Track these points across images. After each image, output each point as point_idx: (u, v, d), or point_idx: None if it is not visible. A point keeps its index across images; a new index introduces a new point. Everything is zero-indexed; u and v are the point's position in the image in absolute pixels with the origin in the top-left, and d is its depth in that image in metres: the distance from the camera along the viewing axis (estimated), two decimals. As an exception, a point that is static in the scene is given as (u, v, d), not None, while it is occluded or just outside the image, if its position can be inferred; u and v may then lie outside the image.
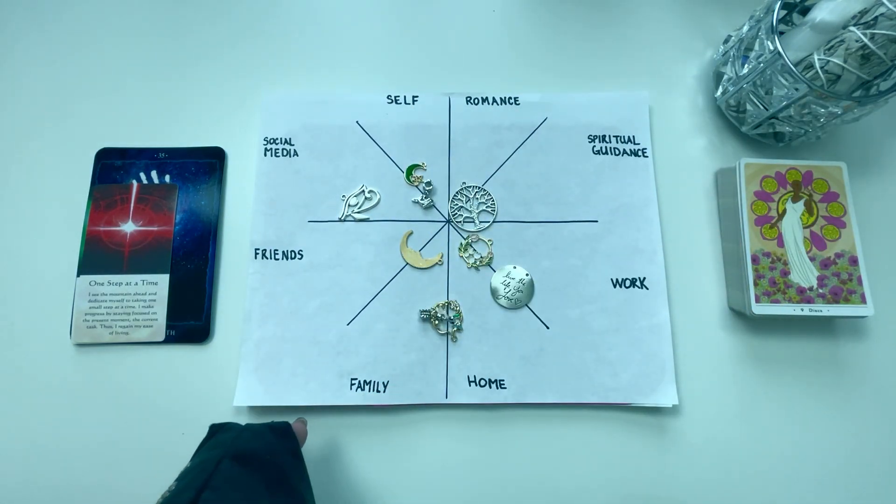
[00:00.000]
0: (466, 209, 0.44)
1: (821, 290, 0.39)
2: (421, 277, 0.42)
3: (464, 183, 0.44)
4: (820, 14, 0.38)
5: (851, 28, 0.36)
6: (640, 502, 0.39)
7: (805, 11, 0.40)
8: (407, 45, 0.48)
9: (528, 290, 0.42)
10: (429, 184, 0.44)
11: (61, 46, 0.48)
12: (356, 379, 0.40)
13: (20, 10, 0.49)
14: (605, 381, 0.40)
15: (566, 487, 0.39)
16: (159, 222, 0.43)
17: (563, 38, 0.49)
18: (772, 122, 0.42)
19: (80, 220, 0.43)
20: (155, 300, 0.42)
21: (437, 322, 0.41)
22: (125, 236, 0.43)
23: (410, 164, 0.44)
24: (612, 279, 0.42)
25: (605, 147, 0.45)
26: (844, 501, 0.39)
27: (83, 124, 0.46)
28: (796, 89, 0.38)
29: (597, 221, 0.43)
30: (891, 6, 0.34)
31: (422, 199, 0.44)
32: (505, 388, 0.40)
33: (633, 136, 0.45)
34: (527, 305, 0.42)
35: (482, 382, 0.40)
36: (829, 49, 0.37)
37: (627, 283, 0.42)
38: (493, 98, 0.46)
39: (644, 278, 0.42)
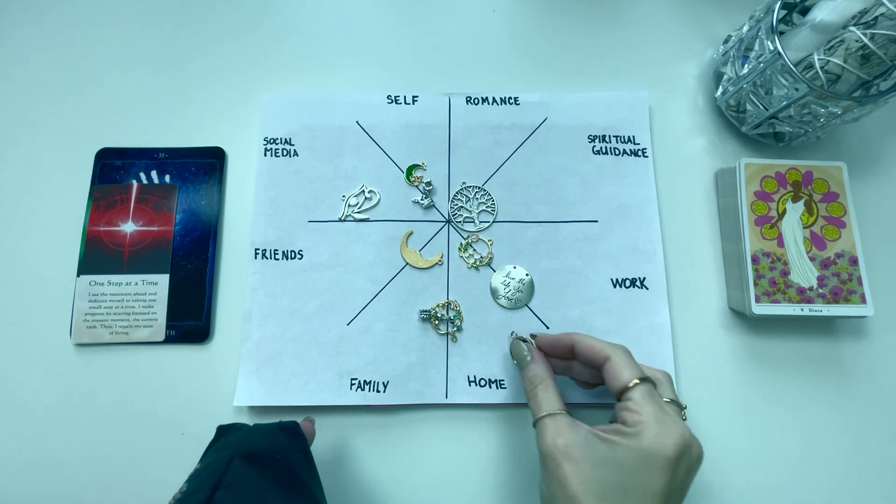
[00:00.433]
0: (466, 209, 0.44)
1: (821, 290, 0.39)
2: (421, 277, 0.42)
3: (464, 183, 0.44)
4: (820, 14, 0.38)
5: (851, 28, 0.36)
6: (640, 502, 0.39)
7: (805, 11, 0.40)
8: (407, 45, 0.48)
9: (528, 290, 0.42)
10: (429, 184, 0.44)
11: (61, 46, 0.48)
12: (356, 379, 0.40)
13: (19, 9, 0.49)
14: (605, 381, 0.40)
15: (566, 487, 0.39)
16: (159, 222, 0.43)
17: (563, 38, 0.49)
18: (772, 122, 0.42)
19: (80, 220, 0.43)
20: (155, 300, 0.42)
21: (437, 322, 0.41)
22: (125, 236, 0.43)
23: (410, 164, 0.45)
24: (612, 279, 0.42)
25: (605, 147, 0.45)
26: (845, 500, 0.39)
27: (83, 124, 0.46)
28: (796, 89, 0.38)
29: (597, 221, 0.43)
30: (891, 6, 0.34)
31: (422, 199, 0.44)
32: (505, 388, 0.40)
33: (633, 136, 0.45)
34: (527, 305, 0.42)
35: (482, 382, 0.40)
36: (829, 49, 0.37)
37: (627, 283, 0.42)
38: (493, 98, 0.46)
39: (644, 278, 0.42)
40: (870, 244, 0.41)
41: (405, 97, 0.46)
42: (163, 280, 0.42)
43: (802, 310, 0.38)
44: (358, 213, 0.43)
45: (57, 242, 0.43)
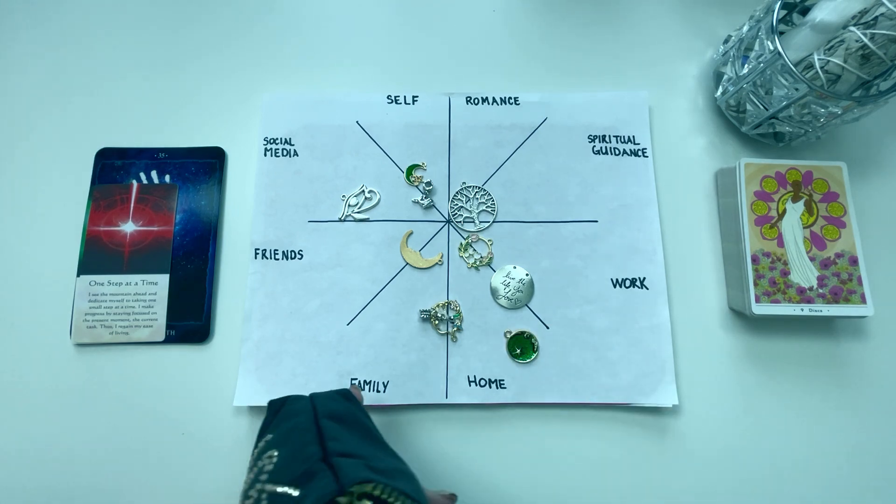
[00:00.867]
0: (466, 209, 0.44)
1: (821, 290, 0.39)
2: (421, 277, 0.42)
3: (464, 183, 0.44)
4: (820, 14, 0.38)
5: (851, 28, 0.36)
6: (640, 502, 0.39)
7: (805, 11, 0.40)
8: (407, 45, 0.48)
9: (528, 290, 0.42)
10: (429, 184, 0.44)
11: (61, 46, 0.48)
12: (356, 379, 0.40)
13: (19, 9, 0.49)
14: (605, 381, 0.40)
15: (566, 487, 0.39)
16: (159, 222, 0.43)
17: (563, 38, 0.49)
18: (772, 122, 0.42)
19: (80, 220, 0.43)
20: (155, 300, 0.42)
21: (437, 322, 0.41)
22: (125, 236, 0.43)
23: (410, 164, 0.45)
24: (612, 279, 0.42)
25: (605, 147, 0.45)
26: (845, 501, 0.39)
27: (83, 124, 0.46)
28: (796, 89, 0.38)
29: (597, 221, 0.43)
30: (891, 6, 0.34)
31: (422, 199, 0.44)
32: (505, 388, 0.40)
33: (633, 136, 0.45)
34: (527, 305, 0.42)
35: (482, 382, 0.40)
36: (829, 49, 0.37)
37: (627, 283, 0.42)
38: (493, 98, 0.46)
39: (644, 278, 0.42)
40: (870, 244, 0.41)
41: (405, 97, 0.46)
42: (163, 280, 0.42)
43: (802, 310, 0.38)
44: (358, 213, 0.43)
45: (57, 242, 0.43)
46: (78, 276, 0.42)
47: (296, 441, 0.28)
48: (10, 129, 0.46)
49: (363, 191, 0.44)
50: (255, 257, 0.42)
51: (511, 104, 0.46)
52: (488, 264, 0.43)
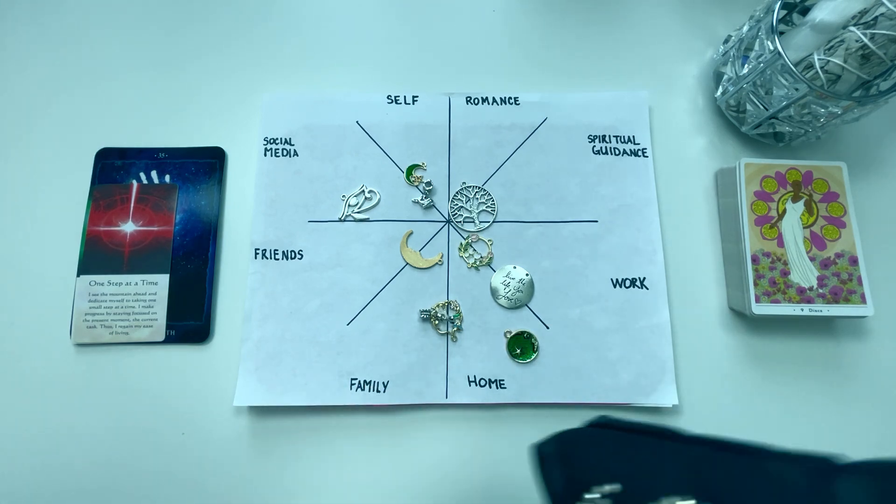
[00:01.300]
0: (466, 209, 0.44)
1: (821, 290, 0.39)
2: (421, 277, 0.42)
3: (464, 183, 0.44)
4: (820, 14, 0.38)
5: (851, 28, 0.36)
6: (640, 502, 0.39)
7: (805, 11, 0.40)
8: (407, 45, 0.48)
9: (528, 290, 0.42)
10: (429, 184, 0.44)
11: (61, 46, 0.48)
12: (356, 379, 0.40)
13: (20, 9, 0.49)
14: (605, 381, 0.40)
15: (566, 487, 0.39)
16: (159, 222, 0.43)
17: (563, 38, 0.49)
18: (772, 122, 0.42)
19: (80, 220, 0.43)
20: (155, 300, 0.42)
21: (437, 322, 0.41)
22: (125, 236, 0.43)
23: (410, 164, 0.45)
24: (612, 279, 0.42)
25: (605, 147, 0.45)
26: (844, 501, 0.39)
27: (83, 124, 0.46)
28: (796, 89, 0.38)
29: (597, 221, 0.43)
30: (891, 6, 0.34)
31: (422, 199, 0.44)
32: (505, 388, 0.40)
33: (633, 136, 0.45)
34: (527, 305, 0.42)
35: (482, 382, 0.40)
36: (829, 49, 0.37)
37: (627, 283, 0.42)
38: (493, 98, 0.46)
39: (644, 278, 0.42)
40: (870, 244, 0.41)
41: (405, 97, 0.46)
42: (163, 280, 0.42)
43: (802, 310, 0.38)
44: (358, 213, 0.43)
45: (57, 242, 0.43)
46: (78, 276, 0.42)
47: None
48: (10, 129, 0.46)
49: (363, 191, 0.44)
50: (255, 257, 0.42)
51: (511, 104, 0.46)
52: (488, 264, 0.43)
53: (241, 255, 0.43)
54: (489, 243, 0.43)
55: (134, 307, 0.41)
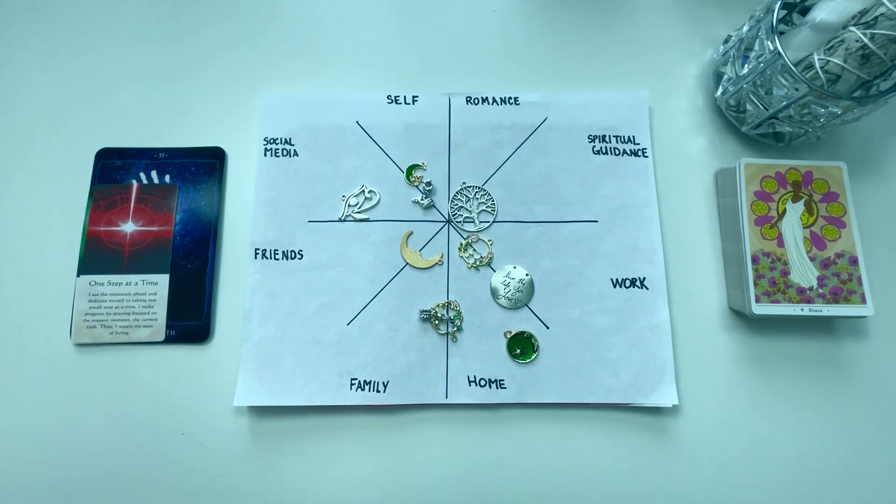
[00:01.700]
0: (466, 209, 0.44)
1: (821, 290, 0.39)
2: (421, 277, 0.42)
3: (464, 183, 0.44)
4: (820, 14, 0.38)
5: (851, 28, 0.36)
6: (640, 502, 0.39)
7: (805, 11, 0.40)
8: (407, 45, 0.48)
9: (528, 290, 0.42)
10: (429, 184, 0.44)
11: (61, 46, 0.48)
12: (356, 379, 0.40)
13: (20, 10, 0.49)
14: (605, 381, 0.40)
15: (566, 487, 0.39)
16: (159, 222, 0.43)
17: (563, 38, 0.49)
18: (772, 122, 0.42)
19: (80, 220, 0.43)
20: (155, 300, 0.42)
21: (437, 322, 0.41)
22: (125, 236, 0.43)
23: (410, 164, 0.45)
24: (612, 279, 0.42)
25: (605, 147, 0.45)
26: (845, 500, 0.39)
27: (83, 124, 0.46)
28: (796, 89, 0.38)
29: (597, 221, 0.43)
30: (891, 6, 0.34)
31: (422, 199, 0.44)
32: (505, 388, 0.40)
33: (633, 136, 0.45)
34: (527, 305, 0.42)
35: (482, 382, 0.40)
36: (829, 49, 0.37)
37: (627, 283, 0.42)
38: (493, 98, 0.46)
39: (644, 278, 0.42)
40: (870, 244, 0.41)
41: (405, 97, 0.46)
42: (163, 280, 0.42)
43: (802, 310, 0.38)
44: (358, 213, 0.43)
45: (57, 242, 0.43)
46: (78, 276, 0.42)
47: None
48: (11, 130, 0.46)
49: (363, 191, 0.44)
50: (255, 257, 0.42)
51: (511, 104, 0.46)
52: (488, 264, 0.43)
53: (241, 255, 0.43)
54: (489, 243, 0.43)
55: (134, 307, 0.41)
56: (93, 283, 0.42)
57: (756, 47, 0.40)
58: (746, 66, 0.41)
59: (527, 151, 0.45)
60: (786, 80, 0.38)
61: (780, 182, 0.41)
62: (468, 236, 0.43)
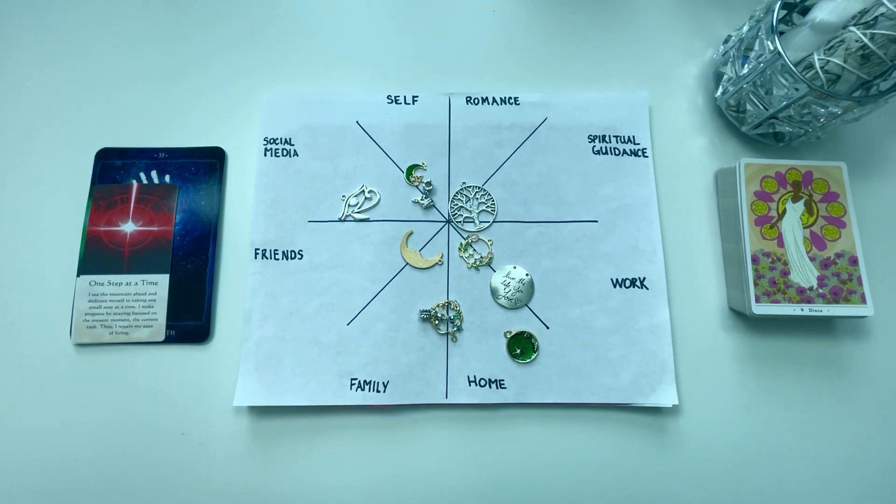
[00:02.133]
0: (466, 209, 0.44)
1: (821, 290, 0.39)
2: (421, 277, 0.42)
3: (464, 183, 0.44)
4: (820, 14, 0.38)
5: (851, 28, 0.36)
6: (640, 502, 0.39)
7: (805, 11, 0.40)
8: (407, 45, 0.48)
9: (528, 290, 0.42)
10: (429, 184, 0.44)
11: (61, 46, 0.48)
12: (356, 379, 0.40)
13: (21, 10, 0.49)
14: (605, 381, 0.40)
15: (566, 487, 0.39)
16: (159, 222, 0.43)
17: (563, 38, 0.49)
18: (772, 122, 0.42)
19: (80, 220, 0.43)
20: (155, 300, 0.42)
21: (437, 322, 0.41)
22: (125, 236, 0.43)
23: (410, 164, 0.45)
24: (612, 279, 0.42)
25: (605, 147, 0.45)
26: (845, 501, 0.39)
27: (83, 124, 0.46)
28: (796, 89, 0.38)
29: (597, 221, 0.43)
30: (891, 6, 0.34)
31: (422, 199, 0.44)
32: (505, 388, 0.40)
33: (633, 136, 0.45)
34: (527, 305, 0.42)
35: (482, 382, 0.40)
36: (829, 49, 0.37)
37: (627, 283, 0.42)
38: (493, 98, 0.46)
39: (644, 278, 0.42)
40: (870, 244, 0.41)
41: (405, 97, 0.46)
42: (163, 280, 0.42)
43: (802, 310, 0.38)
44: (358, 213, 0.43)
45: (57, 242, 0.43)
46: (78, 276, 0.42)
47: None
48: (11, 130, 0.46)
49: (363, 191, 0.44)
50: (255, 257, 0.42)
51: (511, 104, 0.46)
52: (488, 264, 0.43)
53: (241, 255, 0.43)
54: (489, 243, 0.43)
55: (134, 307, 0.41)
56: (93, 283, 0.42)
57: (756, 47, 0.40)
58: (746, 66, 0.41)
59: (527, 151, 0.45)
60: (786, 80, 0.38)
61: (780, 182, 0.41)
62: (468, 236, 0.43)
